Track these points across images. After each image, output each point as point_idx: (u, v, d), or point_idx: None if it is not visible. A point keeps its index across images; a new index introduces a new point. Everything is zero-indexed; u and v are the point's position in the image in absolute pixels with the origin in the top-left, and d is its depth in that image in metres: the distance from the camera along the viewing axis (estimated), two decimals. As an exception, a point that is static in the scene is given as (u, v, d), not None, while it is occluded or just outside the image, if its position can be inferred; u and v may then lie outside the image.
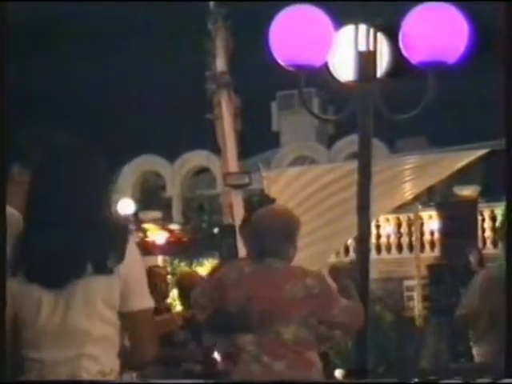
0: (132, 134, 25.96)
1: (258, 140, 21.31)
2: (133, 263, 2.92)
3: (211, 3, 9.40)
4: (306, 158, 25.53)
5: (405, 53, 5.23)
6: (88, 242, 2.88)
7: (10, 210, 3.03)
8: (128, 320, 2.91)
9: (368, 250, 5.62)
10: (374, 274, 6.00)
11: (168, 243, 16.33)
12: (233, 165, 9.99)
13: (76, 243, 2.87)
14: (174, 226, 17.63)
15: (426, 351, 14.94)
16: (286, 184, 9.00)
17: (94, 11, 26.13)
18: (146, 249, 15.81)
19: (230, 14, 9.42)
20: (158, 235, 16.29)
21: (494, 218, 20.01)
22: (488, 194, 20.77)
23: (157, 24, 25.31)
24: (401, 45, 5.24)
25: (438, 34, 5.11)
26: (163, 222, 18.87)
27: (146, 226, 16.74)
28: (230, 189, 9.87)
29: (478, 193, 21.77)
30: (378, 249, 21.13)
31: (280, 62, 5.27)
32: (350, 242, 15.63)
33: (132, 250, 2.93)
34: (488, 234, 19.93)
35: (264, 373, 4.16)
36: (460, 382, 5.39)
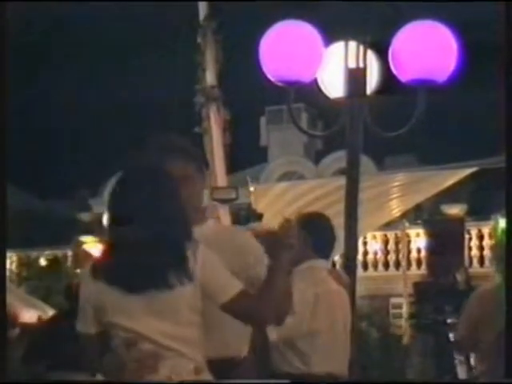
0: (120, 146, 25.91)
1: (246, 154, 21.31)
2: (204, 266, 3.19)
3: (201, 17, 9.39)
4: (294, 173, 25.54)
5: (394, 70, 5.23)
6: (165, 258, 3.19)
7: None
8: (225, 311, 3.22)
9: (355, 267, 5.61)
10: (360, 290, 5.98)
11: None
12: (221, 179, 9.96)
13: (157, 259, 3.18)
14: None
15: (411, 368, 14.93)
16: (273, 199, 8.98)
17: (81, 25, 26.14)
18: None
19: (220, 27, 9.41)
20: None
21: (480, 237, 20.04)
22: (475, 213, 20.80)
23: (146, 37, 25.33)
24: (391, 62, 5.24)
25: (427, 52, 5.11)
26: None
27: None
28: (217, 203, 9.84)
29: (465, 211, 21.82)
30: (365, 266, 21.12)
31: (269, 77, 5.26)
32: (337, 258, 15.63)
33: (202, 255, 3.19)
34: (475, 252, 19.95)
35: None
36: (460, 381, 5.34)
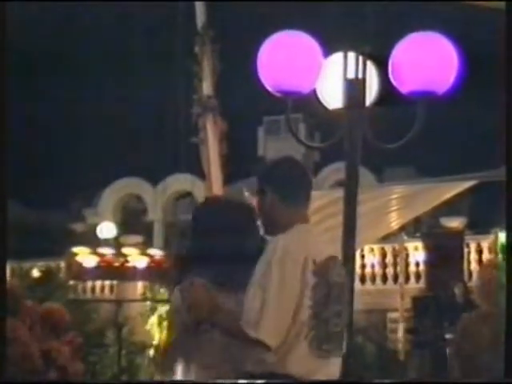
0: (115, 156, 25.85)
1: (243, 165, 21.25)
2: None
3: (199, 26, 9.35)
4: (292, 184, 25.44)
5: (394, 82, 5.17)
6: None
7: None
8: None
9: (352, 280, 5.53)
10: (357, 304, 5.89)
11: (149, 268, 16.15)
12: (217, 189, 9.90)
13: None
14: (155, 251, 17.42)
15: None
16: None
17: (79, 32, 26.13)
18: (126, 274, 15.64)
19: (217, 37, 9.37)
20: (138, 260, 16.05)
21: (480, 251, 19.95)
22: (474, 226, 20.74)
23: (144, 46, 25.33)
24: (390, 73, 5.18)
25: (427, 64, 5.06)
26: (144, 247, 18.72)
27: (126, 250, 16.52)
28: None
29: (464, 225, 21.75)
30: (363, 279, 21.02)
31: (268, 87, 5.20)
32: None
33: None
34: (474, 266, 19.83)
35: None
36: (459, 381, 5.27)
